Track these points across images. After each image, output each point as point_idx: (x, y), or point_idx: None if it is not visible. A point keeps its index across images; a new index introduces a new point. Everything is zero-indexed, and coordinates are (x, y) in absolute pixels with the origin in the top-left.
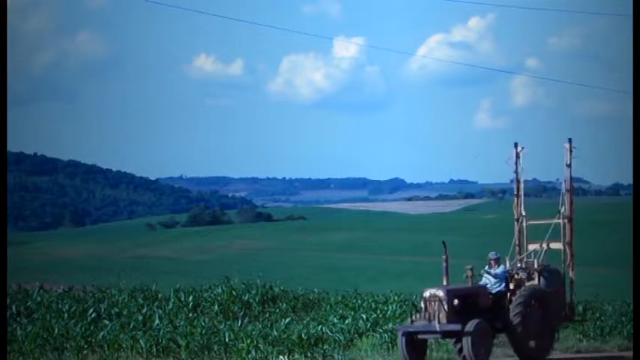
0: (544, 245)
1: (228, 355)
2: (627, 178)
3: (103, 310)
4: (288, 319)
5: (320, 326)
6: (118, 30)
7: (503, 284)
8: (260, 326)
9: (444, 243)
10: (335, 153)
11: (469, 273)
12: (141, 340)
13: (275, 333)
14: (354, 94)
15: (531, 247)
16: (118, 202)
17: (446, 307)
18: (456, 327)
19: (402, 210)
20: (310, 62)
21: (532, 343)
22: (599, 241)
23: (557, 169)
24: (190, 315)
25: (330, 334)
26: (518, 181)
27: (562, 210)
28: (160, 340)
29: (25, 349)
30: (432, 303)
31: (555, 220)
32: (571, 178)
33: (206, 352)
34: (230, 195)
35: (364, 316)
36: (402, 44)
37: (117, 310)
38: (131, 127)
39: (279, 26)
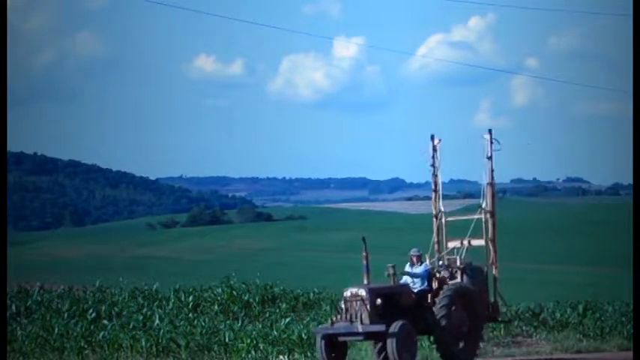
0: (465, 242)
1: (228, 354)
2: (627, 178)
3: (103, 310)
4: (288, 319)
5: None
6: (118, 30)
7: (426, 283)
8: (260, 326)
9: (363, 239)
10: (335, 153)
11: (390, 271)
12: (141, 340)
13: (275, 333)
14: (354, 94)
15: (451, 244)
16: (118, 201)
17: (368, 307)
18: (380, 328)
19: (402, 210)
20: (310, 62)
21: (459, 345)
22: (599, 241)
23: (558, 169)
24: (190, 315)
25: None
26: (435, 176)
27: (483, 205)
28: (160, 340)
29: (25, 349)
30: (354, 303)
31: (476, 216)
32: (492, 170)
33: (206, 352)
34: (230, 195)
35: None
36: (402, 44)
37: (117, 310)
38: (131, 127)
39: (279, 26)
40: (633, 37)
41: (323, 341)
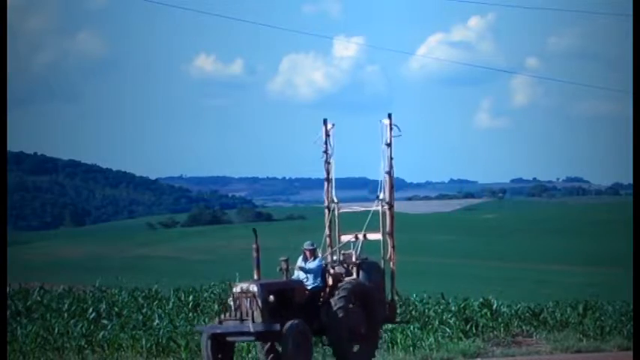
0: (360, 236)
1: None
2: (627, 178)
3: (103, 309)
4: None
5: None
6: (118, 30)
7: (320, 279)
8: None
9: (254, 230)
10: (335, 153)
11: (283, 265)
12: (141, 340)
13: None
14: (354, 94)
15: (345, 238)
16: (118, 201)
17: (260, 304)
18: (274, 327)
19: (401, 209)
20: (310, 62)
21: (355, 347)
22: (599, 241)
23: (558, 168)
24: (190, 315)
25: None
26: (328, 163)
27: (381, 196)
28: (160, 340)
29: (25, 348)
30: (244, 300)
31: (373, 208)
32: (391, 158)
33: None
34: (230, 195)
35: None
36: (402, 44)
37: (117, 309)
38: (131, 127)
39: (279, 26)
40: (633, 37)
41: (209, 341)
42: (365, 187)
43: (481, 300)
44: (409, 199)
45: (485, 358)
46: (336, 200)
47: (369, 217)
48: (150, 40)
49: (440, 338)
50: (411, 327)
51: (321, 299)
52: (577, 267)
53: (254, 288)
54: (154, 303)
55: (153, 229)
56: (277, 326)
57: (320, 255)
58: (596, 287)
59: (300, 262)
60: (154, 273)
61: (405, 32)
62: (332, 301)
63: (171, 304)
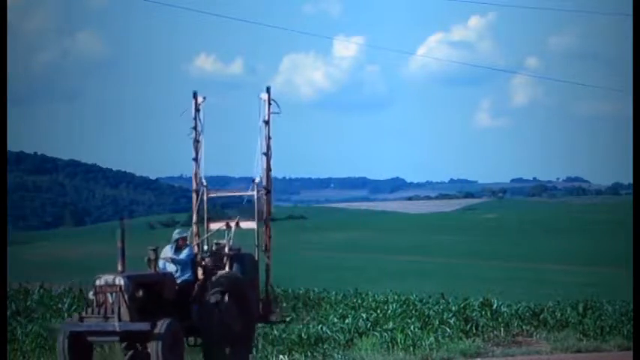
0: (232, 224)
1: None
2: (627, 178)
3: None
4: (288, 319)
5: (320, 326)
6: (118, 30)
7: (190, 272)
8: (260, 325)
9: (121, 219)
10: (335, 152)
11: (151, 255)
12: None
13: (275, 332)
14: (354, 93)
15: (214, 226)
16: (118, 201)
17: (127, 299)
18: (144, 326)
19: (402, 209)
20: (310, 62)
21: (227, 350)
22: (599, 241)
23: (558, 168)
24: None
25: (330, 333)
26: (197, 141)
27: (257, 179)
28: None
29: (25, 348)
30: (109, 294)
31: (248, 193)
32: (269, 137)
33: None
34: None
35: (364, 315)
36: (402, 43)
37: None
38: (131, 127)
39: (279, 26)
40: (633, 37)
41: (67, 341)
42: (365, 187)
43: (481, 300)
44: (409, 198)
45: (485, 358)
46: (204, 183)
47: (243, 203)
48: (150, 39)
49: (440, 338)
50: (411, 327)
51: (192, 294)
52: (577, 267)
53: (120, 281)
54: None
55: (153, 228)
56: (147, 325)
57: (190, 245)
58: (596, 287)
59: (168, 251)
60: None
61: (405, 32)
62: (204, 297)
63: None
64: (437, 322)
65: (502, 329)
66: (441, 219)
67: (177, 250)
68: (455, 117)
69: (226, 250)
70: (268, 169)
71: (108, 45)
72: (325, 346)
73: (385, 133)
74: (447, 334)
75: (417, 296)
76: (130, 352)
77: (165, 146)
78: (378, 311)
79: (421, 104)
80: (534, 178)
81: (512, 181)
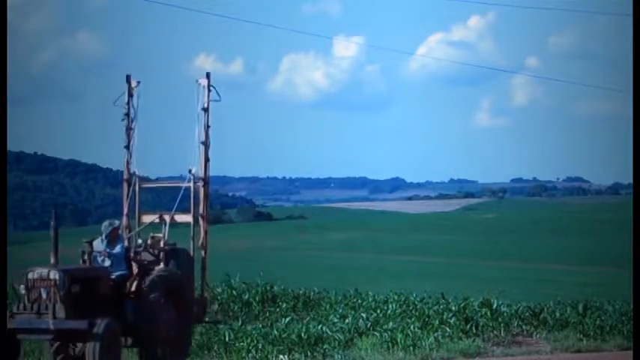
0: (166, 217)
1: (228, 354)
2: (627, 178)
3: None
4: (288, 319)
5: (320, 325)
6: (118, 30)
7: (124, 266)
8: (260, 326)
9: (54, 206)
10: (335, 152)
11: (86, 248)
12: None
13: (275, 332)
14: (354, 93)
15: (147, 218)
16: (118, 201)
17: (62, 295)
18: (82, 325)
19: (402, 209)
20: (310, 62)
21: (164, 351)
22: (599, 241)
23: (558, 168)
24: None
25: (330, 333)
26: (130, 129)
27: (193, 170)
28: None
29: (25, 348)
30: (42, 289)
31: (184, 184)
32: (208, 126)
33: (206, 352)
34: (230, 194)
35: (364, 315)
36: (402, 43)
37: None
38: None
39: (279, 25)
40: (633, 37)
41: None
42: (365, 186)
43: (481, 300)
44: (409, 198)
45: (485, 358)
46: (137, 172)
47: (179, 195)
48: (150, 39)
49: (440, 338)
50: (411, 326)
51: (126, 291)
52: (577, 267)
53: (55, 275)
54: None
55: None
56: (85, 324)
57: (123, 237)
58: (596, 287)
59: (99, 244)
60: None
61: (405, 32)
62: (140, 294)
63: None
64: (437, 322)
65: (502, 329)
66: (440, 219)
67: (110, 243)
68: (455, 117)
69: (162, 244)
70: (206, 159)
71: (108, 45)
72: (325, 346)
73: (385, 133)
74: (447, 334)
75: (417, 296)
76: (60, 357)
77: (166, 146)
78: (378, 311)
79: (421, 104)
80: (534, 178)
81: (512, 181)
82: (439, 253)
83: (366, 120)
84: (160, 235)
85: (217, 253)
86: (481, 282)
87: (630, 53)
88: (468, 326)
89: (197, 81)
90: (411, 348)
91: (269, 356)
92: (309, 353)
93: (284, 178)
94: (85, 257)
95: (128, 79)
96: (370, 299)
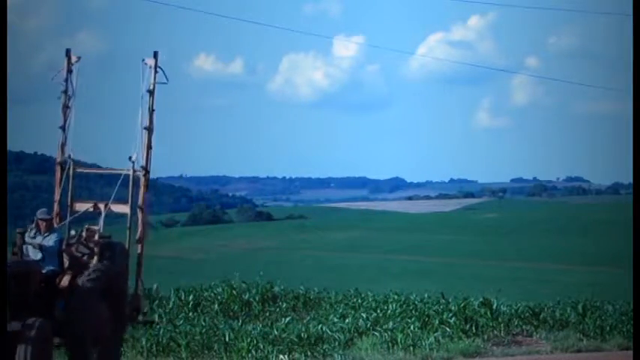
0: (101, 206)
1: (228, 354)
2: (627, 178)
3: None
4: (288, 319)
5: (320, 325)
6: (118, 30)
7: (56, 261)
8: (260, 325)
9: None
10: (335, 152)
11: (19, 240)
12: (141, 339)
13: (275, 332)
14: (354, 93)
15: (81, 206)
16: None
17: None
18: (14, 326)
19: (402, 209)
20: (310, 61)
21: (96, 353)
22: (600, 241)
23: (558, 168)
24: (190, 314)
25: (330, 333)
26: (67, 107)
27: (133, 157)
28: (160, 340)
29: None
30: None
31: (123, 172)
32: (152, 110)
33: (206, 351)
34: (230, 194)
35: (364, 315)
36: (402, 43)
37: None
38: (131, 127)
39: (279, 25)
40: (633, 37)
41: None
42: (365, 186)
43: (481, 299)
44: (409, 198)
45: (485, 358)
46: (72, 156)
47: (118, 183)
48: (150, 39)
49: (440, 338)
50: (411, 326)
51: (57, 288)
52: (577, 267)
53: None
54: (154, 302)
55: (153, 228)
56: (18, 325)
57: (58, 229)
58: (596, 287)
59: (28, 236)
60: (155, 272)
61: (405, 32)
62: (74, 292)
63: (171, 303)
64: (437, 322)
65: (502, 329)
66: (440, 219)
67: (40, 234)
68: (455, 117)
69: (97, 237)
70: (149, 146)
71: (108, 45)
72: (325, 345)
73: (385, 133)
74: (446, 334)
75: (417, 296)
76: None
77: (165, 146)
78: (378, 311)
79: (421, 104)
80: (534, 178)
81: (512, 181)
82: (439, 253)
83: (366, 120)
84: (96, 227)
85: (217, 253)
86: (481, 282)
87: (630, 53)
88: (468, 326)
89: (143, 60)
90: (411, 348)
91: (269, 356)
92: (309, 353)
93: (284, 178)
94: (16, 249)
95: (67, 52)
96: (370, 299)
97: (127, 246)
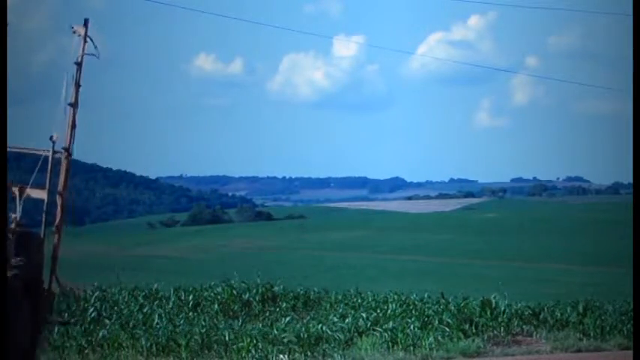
0: (15, 190)
1: (228, 354)
2: (627, 177)
3: (103, 309)
4: (288, 318)
5: (320, 325)
6: (118, 29)
7: None
8: (260, 325)
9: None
10: (335, 152)
11: None
12: (141, 339)
13: (275, 332)
14: (354, 93)
15: None
16: (118, 201)
17: None
18: None
19: (402, 209)
20: (310, 61)
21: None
22: (600, 240)
23: (558, 168)
24: (190, 314)
25: (330, 332)
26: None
27: (54, 136)
28: (160, 339)
29: None
30: None
31: (41, 152)
32: (79, 85)
33: (206, 351)
34: (230, 194)
35: (364, 315)
36: (402, 43)
37: (117, 309)
38: (131, 127)
39: (279, 25)
40: (633, 36)
41: None
42: (365, 186)
43: (481, 299)
44: (409, 198)
45: (485, 358)
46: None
47: (37, 167)
48: (150, 39)
49: (440, 337)
50: (411, 326)
51: None
52: (577, 267)
53: None
54: (154, 302)
55: (153, 228)
56: None
57: None
58: (596, 287)
59: None
60: (155, 272)
61: (405, 31)
62: None
63: (171, 303)
64: (436, 322)
65: (502, 329)
66: (440, 219)
67: None
68: (455, 117)
69: (13, 225)
70: (73, 125)
71: (107, 45)
72: (325, 345)
73: (385, 133)
74: (446, 334)
75: (416, 296)
76: None
77: (165, 145)
78: (378, 311)
79: (421, 104)
80: (534, 178)
81: (512, 180)
82: (439, 253)
83: (366, 120)
84: (14, 215)
85: (217, 253)
86: (481, 282)
87: (630, 53)
88: (468, 326)
89: (72, 27)
90: (411, 347)
91: (269, 356)
92: (309, 353)
93: (284, 177)
94: None
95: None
96: (370, 299)
97: (41, 237)
